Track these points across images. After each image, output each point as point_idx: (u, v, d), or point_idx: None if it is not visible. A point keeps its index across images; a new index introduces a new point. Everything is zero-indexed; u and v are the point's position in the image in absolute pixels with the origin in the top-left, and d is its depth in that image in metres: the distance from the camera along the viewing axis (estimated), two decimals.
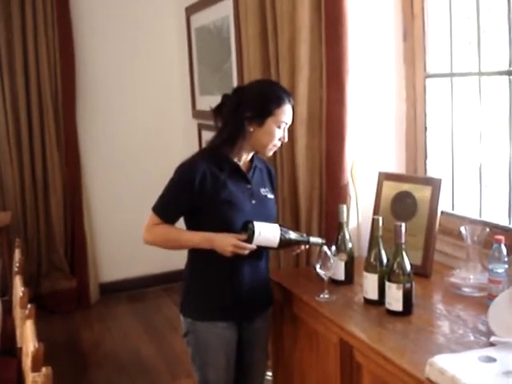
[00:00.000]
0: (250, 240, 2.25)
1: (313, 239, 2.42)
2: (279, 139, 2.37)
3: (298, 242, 2.39)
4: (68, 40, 4.91)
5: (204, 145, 4.37)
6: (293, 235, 2.37)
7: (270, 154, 2.43)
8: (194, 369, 2.48)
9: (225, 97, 2.42)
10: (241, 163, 2.41)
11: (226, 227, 2.30)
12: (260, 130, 2.33)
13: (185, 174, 2.33)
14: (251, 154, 2.44)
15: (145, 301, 5.35)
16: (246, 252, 2.27)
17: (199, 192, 2.28)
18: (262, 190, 2.45)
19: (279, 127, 2.34)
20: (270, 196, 2.49)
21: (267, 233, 2.28)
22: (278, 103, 2.32)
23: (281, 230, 2.32)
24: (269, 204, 2.47)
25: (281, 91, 2.38)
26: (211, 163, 2.32)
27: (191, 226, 2.39)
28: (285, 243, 2.34)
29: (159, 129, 5.31)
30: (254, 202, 2.38)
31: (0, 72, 4.83)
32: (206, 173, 2.29)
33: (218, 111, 2.42)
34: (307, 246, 2.48)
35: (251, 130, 2.33)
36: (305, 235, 2.44)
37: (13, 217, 4.78)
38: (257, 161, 2.47)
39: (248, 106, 2.32)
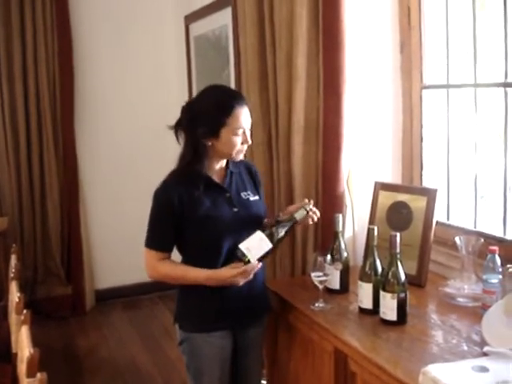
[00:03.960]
0: (247, 263, 2.24)
1: (298, 215, 2.35)
2: (242, 143, 2.33)
3: (288, 230, 2.33)
4: (67, 46, 4.92)
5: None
6: (280, 228, 2.30)
7: (239, 158, 2.39)
8: (189, 377, 2.47)
9: (181, 111, 2.37)
10: (214, 174, 2.38)
11: (211, 242, 2.31)
12: (218, 143, 2.30)
13: (162, 199, 2.32)
14: (223, 162, 2.41)
15: (140, 308, 5.35)
16: (253, 273, 2.28)
17: (180, 212, 2.28)
18: (243, 194, 2.42)
19: (236, 134, 2.29)
20: (253, 198, 2.45)
21: (256, 245, 2.25)
22: (227, 112, 2.27)
23: (264, 232, 2.27)
24: (253, 207, 2.43)
25: (227, 97, 2.32)
26: (184, 182, 2.31)
27: (180, 246, 2.38)
28: (279, 240, 2.29)
29: (157, 136, 5.27)
30: (235, 209, 2.36)
31: None
32: (181, 192, 2.29)
33: (177, 126, 2.36)
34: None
35: (209, 143, 2.30)
36: (290, 216, 2.35)
37: (9, 222, 4.78)
38: (232, 165, 2.44)
39: (198, 122, 2.28)
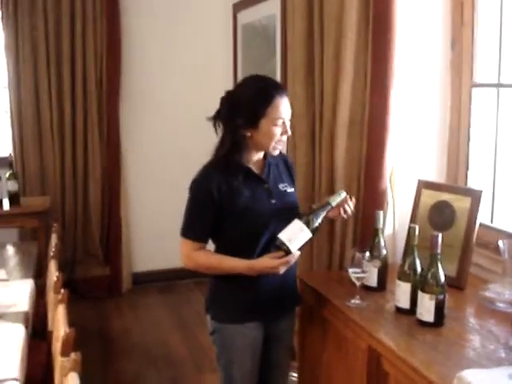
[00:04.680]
0: (288, 252, 2.22)
1: (332, 200, 2.32)
2: (282, 134, 2.30)
3: (324, 216, 2.29)
4: (115, 33, 4.98)
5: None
6: (316, 216, 2.26)
7: (277, 152, 2.36)
8: (219, 367, 2.47)
9: (220, 102, 2.35)
10: (252, 165, 2.37)
11: (249, 234, 2.30)
12: (257, 133, 2.28)
13: (201, 188, 2.30)
14: (261, 153, 2.39)
15: (176, 293, 5.40)
16: (293, 261, 2.26)
17: (219, 202, 2.27)
18: (281, 186, 2.41)
19: (276, 125, 2.26)
20: (290, 190, 2.43)
21: (295, 234, 2.22)
22: (267, 102, 2.25)
23: (301, 220, 2.24)
24: (289, 199, 2.42)
25: (268, 87, 2.30)
26: (223, 172, 2.29)
27: (215, 235, 2.37)
28: (316, 228, 2.26)
29: (200, 126, 5.28)
30: (273, 201, 2.35)
31: (47, 63, 4.91)
32: (220, 182, 2.27)
33: (216, 117, 2.35)
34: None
35: (249, 134, 2.28)
36: (324, 202, 2.33)
37: (51, 202, 4.86)
38: (270, 157, 2.42)
39: (238, 112, 2.26)
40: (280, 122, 2.27)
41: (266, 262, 2.24)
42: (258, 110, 2.25)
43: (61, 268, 3.17)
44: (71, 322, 2.34)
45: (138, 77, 5.27)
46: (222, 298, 2.42)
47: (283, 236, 2.22)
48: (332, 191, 3.01)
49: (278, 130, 2.28)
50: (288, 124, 2.31)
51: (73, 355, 1.99)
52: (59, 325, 2.36)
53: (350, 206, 2.39)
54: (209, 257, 2.34)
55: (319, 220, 2.27)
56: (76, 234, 5.21)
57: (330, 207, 2.32)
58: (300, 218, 2.26)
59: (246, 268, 2.27)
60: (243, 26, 5.04)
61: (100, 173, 5.16)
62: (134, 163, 5.38)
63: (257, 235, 2.30)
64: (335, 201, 2.33)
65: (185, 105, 5.42)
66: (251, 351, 2.40)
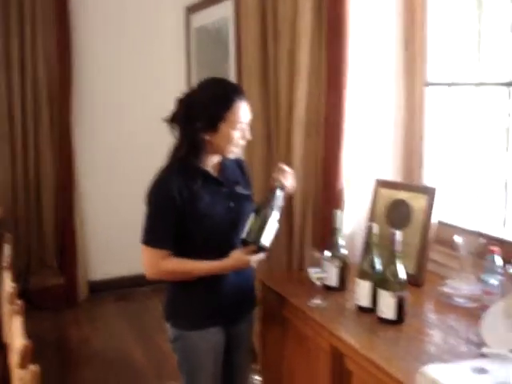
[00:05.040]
0: (260, 246, 2.21)
1: (279, 182, 2.32)
2: (241, 138, 2.28)
3: (274, 200, 2.28)
4: (66, 35, 4.88)
5: None
6: (273, 205, 2.26)
7: (234, 154, 2.34)
8: (182, 374, 2.43)
9: (177, 103, 2.31)
10: (210, 168, 2.33)
11: (209, 237, 2.28)
12: (216, 137, 2.25)
13: (162, 193, 2.24)
14: (218, 156, 2.35)
15: (133, 300, 5.32)
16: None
17: (181, 207, 2.22)
18: (237, 189, 2.39)
19: (235, 129, 2.24)
20: (246, 192, 2.42)
21: (268, 232, 2.23)
22: (227, 106, 2.22)
23: (264, 212, 2.23)
24: (247, 201, 2.40)
25: (228, 91, 2.27)
26: (182, 176, 2.24)
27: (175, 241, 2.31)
28: (277, 216, 2.26)
29: (154, 128, 5.21)
30: (232, 204, 2.33)
31: None
32: (180, 186, 2.23)
33: (173, 119, 2.29)
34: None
35: (207, 137, 2.24)
36: (273, 186, 2.32)
37: (3, 211, 4.74)
38: (226, 159, 2.38)
39: (196, 115, 2.22)
40: (239, 126, 2.25)
41: (239, 259, 2.24)
42: (218, 113, 2.22)
43: (15, 279, 3.09)
44: (28, 333, 2.28)
45: (90, 81, 5.18)
46: (182, 305, 2.38)
47: (261, 239, 2.21)
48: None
49: (236, 134, 2.26)
50: (247, 128, 2.29)
51: (31, 367, 1.94)
52: (16, 336, 2.30)
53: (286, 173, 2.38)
54: (179, 263, 2.27)
55: (277, 205, 2.27)
56: (30, 244, 5.09)
57: (280, 189, 2.31)
58: (260, 211, 2.25)
59: (219, 268, 2.26)
60: (196, 29, 5.02)
61: (52, 181, 5.06)
62: (87, 169, 5.28)
63: (217, 239, 2.29)
64: (280, 182, 2.32)
65: (138, 109, 5.36)
66: (214, 356, 2.38)
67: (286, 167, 2.40)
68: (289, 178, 2.38)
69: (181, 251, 2.28)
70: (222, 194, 2.33)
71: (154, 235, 2.27)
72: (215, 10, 4.47)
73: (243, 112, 2.26)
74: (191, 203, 2.23)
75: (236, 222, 2.32)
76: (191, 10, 5.04)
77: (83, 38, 5.10)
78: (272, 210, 2.25)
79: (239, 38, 3.64)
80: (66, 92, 4.95)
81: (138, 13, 5.27)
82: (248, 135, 2.31)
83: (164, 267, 2.26)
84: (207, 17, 4.69)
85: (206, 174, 2.31)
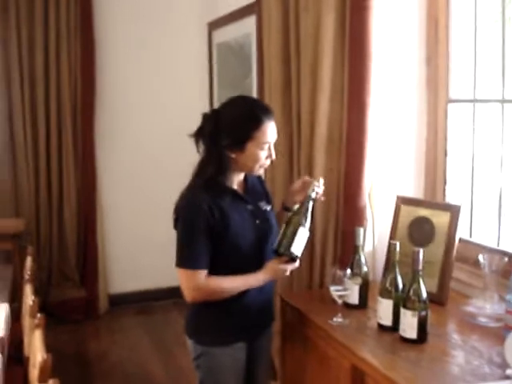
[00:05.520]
0: (291, 257, 2.25)
1: (311, 191, 2.32)
2: (266, 158, 2.28)
3: (306, 210, 2.28)
4: (90, 51, 4.94)
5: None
6: (305, 213, 2.27)
7: (259, 173, 2.35)
8: None
9: (204, 119, 2.29)
10: (236, 185, 2.33)
11: (239, 256, 2.27)
12: (243, 156, 2.23)
13: (195, 211, 2.20)
14: (242, 174, 2.36)
15: (153, 314, 5.33)
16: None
17: (213, 225, 2.20)
18: (261, 205, 2.39)
19: (262, 149, 2.23)
20: (269, 208, 2.42)
21: (299, 241, 2.24)
22: (256, 126, 2.20)
23: (294, 222, 2.25)
24: (270, 217, 2.40)
25: (257, 110, 2.24)
26: (211, 194, 2.22)
27: None
28: (310, 225, 2.29)
29: (176, 144, 5.26)
30: (257, 221, 2.33)
31: (21, 80, 4.84)
32: (211, 205, 2.20)
33: (199, 134, 2.28)
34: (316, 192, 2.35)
35: (233, 156, 2.23)
36: (305, 198, 2.32)
37: (26, 224, 4.78)
38: (248, 176, 2.39)
39: (224, 133, 2.20)
40: (266, 146, 2.25)
41: (274, 269, 2.27)
42: (246, 133, 2.21)
43: (36, 291, 3.12)
44: (48, 346, 2.29)
45: (113, 97, 5.23)
46: (206, 321, 2.37)
47: (292, 248, 2.23)
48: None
49: (263, 154, 2.25)
50: (273, 148, 2.28)
51: (51, 382, 1.95)
52: (36, 350, 2.31)
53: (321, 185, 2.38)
54: (218, 281, 2.24)
55: (309, 216, 2.28)
56: (51, 257, 5.12)
57: (311, 199, 2.32)
58: (290, 221, 2.26)
59: (256, 280, 2.27)
60: (218, 45, 5.05)
61: (75, 194, 5.09)
62: (109, 184, 5.32)
63: (247, 257, 2.28)
64: (313, 191, 2.33)
65: (160, 125, 5.39)
66: (237, 372, 2.37)
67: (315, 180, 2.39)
68: (320, 188, 2.38)
69: (212, 271, 2.25)
70: (247, 212, 2.32)
71: (190, 256, 2.22)
72: (237, 25, 4.49)
73: (271, 132, 2.25)
74: (222, 222, 2.22)
75: (262, 239, 2.33)
76: (213, 25, 5.07)
77: (106, 54, 5.15)
78: (302, 219, 2.26)
79: (261, 54, 3.64)
80: (90, 108, 5.02)
81: (161, 28, 5.31)
82: (274, 155, 2.30)
83: (205, 288, 2.23)
84: (229, 32, 4.71)
85: (233, 192, 2.30)
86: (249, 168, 2.29)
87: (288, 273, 2.30)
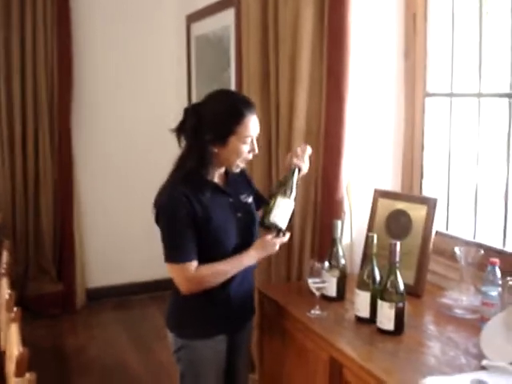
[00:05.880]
0: (279, 230, 2.28)
1: (293, 163, 2.36)
2: (249, 152, 2.28)
3: (297, 180, 2.35)
4: (66, 43, 4.88)
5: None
6: (290, 184, 2.31)
7: (239, 168, 2.33)
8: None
9: (185, 114, 2.28)
10: (217, 179, 2.33)
11: (219, 248, 2.27)
12: (225, 150, 2.23)
13: (175, 204, 2.19)
14: (223, 167, 2.35)
15: (131, 308, 5.30)
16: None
17: (194, 218, 2.20)
18: (242, 197, 2.39)
19: (244, 143, 2.23)
20: (250, 200, 2.42)
21: (279, 211, 2.27)
22: (238, 120, 2.20)
23: (279, 196, 2.28)
24: (251, 209, 2.41)
25: (239, 105, 2.24)
26: (191, 188, 2.21)
27: None
28: (295, 195, 2.32)
29: (154, 135, 5.27)
30: (239, 214, 2.33)
31: None
32: (190, 198, 2.20)
33: (180, 129, 2.27)
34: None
35: (216, 150, 2.23)
36: (288, 171, 2.36)
37: (2, 218, 4.73)
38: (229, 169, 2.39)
39: (206, 128, 2.20)
40: (249, 140, 2.24)
41: (263, 244, 2.29)
42: (228, 127, 2.20)
43: (12, 285, 3.08)
44: (24, 340, 2.26)
45: (90, 90, 5.18)
46: (187, 315, 2.36)
47: (271, 217, 2.25)
48: None
49: (245, 148, 2.25)
50: (255, 142, 2.28)
51: (27, 375, 1.93)
52: (12, 344, 2.28)
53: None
54: (210, 268, 2.24)
55: (293, 187, 2.32)
56: (28, 251, 5.07)
57: (297, 169, 2.35)
58: (274, 194, 2.30)
59: (247, 257, 2.28)
60: (197, 38, 5.02)
61: (52, 188, 5.04)
62: (86, 178, 5.27)
63: (228, 249, 2.28)
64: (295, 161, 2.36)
65: (138, 117, 5.36)
66: (217, 364, 2.38)
67: (301, 149, 2.41)
68: (305, 160, 2.40)
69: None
70: (228, 205, 2.32)
71: (179, 250, 2.21)
72: (216, 18, 4.48)
73: (253, 126, 2.25)
74: (204, 215, 2.22)
75: (245, 232, 2.33)
76: (192, 18, 5.04)
77: (84, 48, 5.10)
78: (284, 190, 2.29)
79: (240, 47, 3.63)
80: (66, 101, 4.95)
81: (139, 21, 5.28)
82: (256, 149, 2.29)
83: (198, 277, 2.22)
84: (208, 25, 4.69)
85: (214, 186, 2.30)
86: (231, 162, 2.28)
87: (277, 247, 2.30)
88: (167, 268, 2.25)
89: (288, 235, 2.33)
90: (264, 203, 2.43)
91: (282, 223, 2.27)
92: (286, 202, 2.27)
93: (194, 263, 2.21)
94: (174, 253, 2.22)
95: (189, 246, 2.21)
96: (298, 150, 2.40)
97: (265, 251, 2.32)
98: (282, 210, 2.26)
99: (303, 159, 2.39)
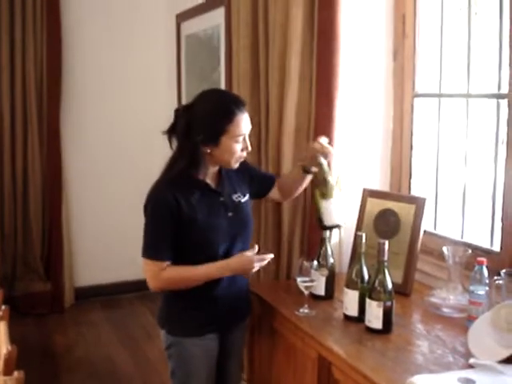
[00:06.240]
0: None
1: (320, 159, 2.42)
2: (242, 150, 2.28)
3: (324, 180, 2.42)
4: (56, 41, 4.86)
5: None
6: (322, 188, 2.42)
7: (236, 166, 2.32)
8: (175, 381, 2.41)
9: (176, 115, 2.28)
10: (209, 179, 2.32)
11: (207, 249, 2.27)
12: (218, 150, 2.23)
13: (160, 203, 2.22)
14: (217, 166, 2.35)
15: (119, 307, 5.29)
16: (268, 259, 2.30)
17: (178, 218, 2.20)
18: (235, 197, 2.37)
19: (237, 142, 2.23)
20: (244, 199, 2.41)
21: (332, 212, 2.41)
22: (229, 119, 2.19)
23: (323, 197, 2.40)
24: (244, 209, 2.40)
25: (229, 103, 2.24)
26: (180, 188, 2.22)
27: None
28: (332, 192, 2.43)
29: (144, 134, 5.26)
30: (230, 214, 2.33)
31: None
32: (179, 199, 2.20)
33: (172, 131, 2.28)
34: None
35: (208, 151, 2.22)
36: (318, 165, 2.43)
37: None
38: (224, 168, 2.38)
39: (197, 128, 2.19)
40: (241, 138, 2.24)
41: (243, 260, 2.25)
42: (219, 127, 2.20)
43: (0, 284, 3.07)
44: (12, 339, 2.26)
45: (80, 89, 5.16)
46: (178, 312, 2.37)
47: (325, 222, 2.40)
48: (279, 202, 3.02)
49: (238, 146, 2.25)
50: (248, 140, 2.28)
51: (16, 374, 1.92)
52: (0, 343, 2.27)
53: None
54: (178, 270, 2.25)
55: (330, 181, 2.42)
56: (16, 249, 5.04)
57: (325, 163, 2.41)
58: (325, 194, 2.41)
59: (220, 269, 2.25)
60: (187, 37, 5.02)
61: (40, 187, 5.01)
62: (75, 176, 5.25)
63: (215, 249, 2.28)
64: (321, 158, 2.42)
65: (127, 115, 5.34)
66: (208, 362, 2.38)
67: (319, 144, 2.43)
68: (328, 149, 2.44)
69: (181, 262, 2.26)
70: (219, 204, 2.32)
71: (155, 247, 2.24)
72: (206, 17, 4.47)
73: (244, 124, 2.25)
74: (190, 216, 2.22)
75: (235, 231, 2.33)
76: (182, 17, 5.04)
77: (73, 44, 5.08)
78: (325, 193, 2.41)
79: (230, 46, 3.63)
80: (55, 101, 4.93)
81: (130, 20, 5.27)
82: (249, 146, 2.29)
83: (165, 277, 2.24)
84: (198, 24, 4.69)
85: (204, 185, 2.29)
86: (224, 161, 2.28)
87: (256, 266, 2.27)
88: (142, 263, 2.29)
89: (270, 257, 2.31)
90: (271, 181, 2.58)
91: (338, 221, 2.42)
92: (329, 202, 2.37)
93: (164, 263, 2.23)
94: (148, 248, 2.26)
95: (164, 245, 2.23)
96: (317, 145, 2.41)
97: (241, 268, 2.27)
98: (331, 211, 2.37)
99: (327, 150, 2.41)
